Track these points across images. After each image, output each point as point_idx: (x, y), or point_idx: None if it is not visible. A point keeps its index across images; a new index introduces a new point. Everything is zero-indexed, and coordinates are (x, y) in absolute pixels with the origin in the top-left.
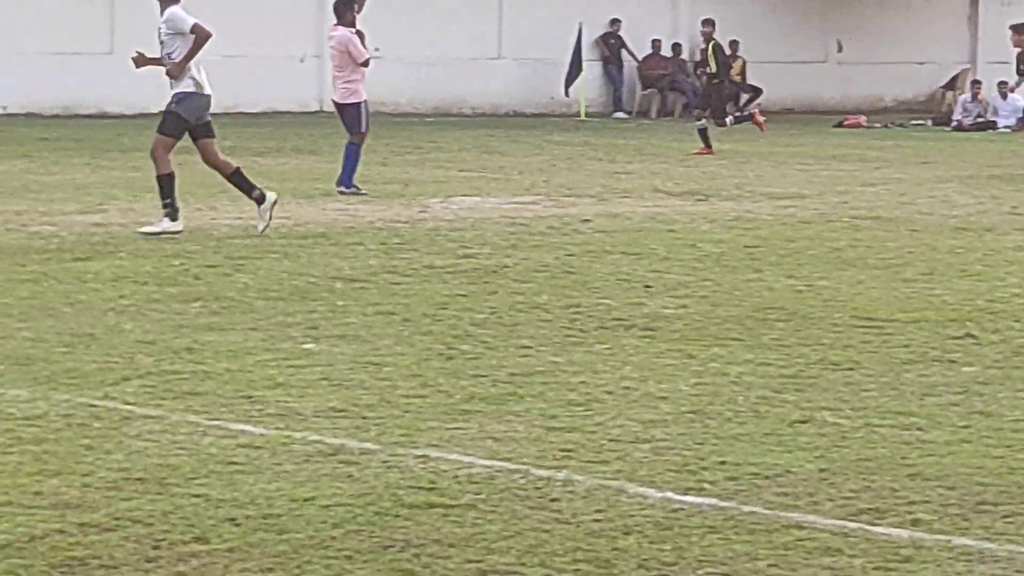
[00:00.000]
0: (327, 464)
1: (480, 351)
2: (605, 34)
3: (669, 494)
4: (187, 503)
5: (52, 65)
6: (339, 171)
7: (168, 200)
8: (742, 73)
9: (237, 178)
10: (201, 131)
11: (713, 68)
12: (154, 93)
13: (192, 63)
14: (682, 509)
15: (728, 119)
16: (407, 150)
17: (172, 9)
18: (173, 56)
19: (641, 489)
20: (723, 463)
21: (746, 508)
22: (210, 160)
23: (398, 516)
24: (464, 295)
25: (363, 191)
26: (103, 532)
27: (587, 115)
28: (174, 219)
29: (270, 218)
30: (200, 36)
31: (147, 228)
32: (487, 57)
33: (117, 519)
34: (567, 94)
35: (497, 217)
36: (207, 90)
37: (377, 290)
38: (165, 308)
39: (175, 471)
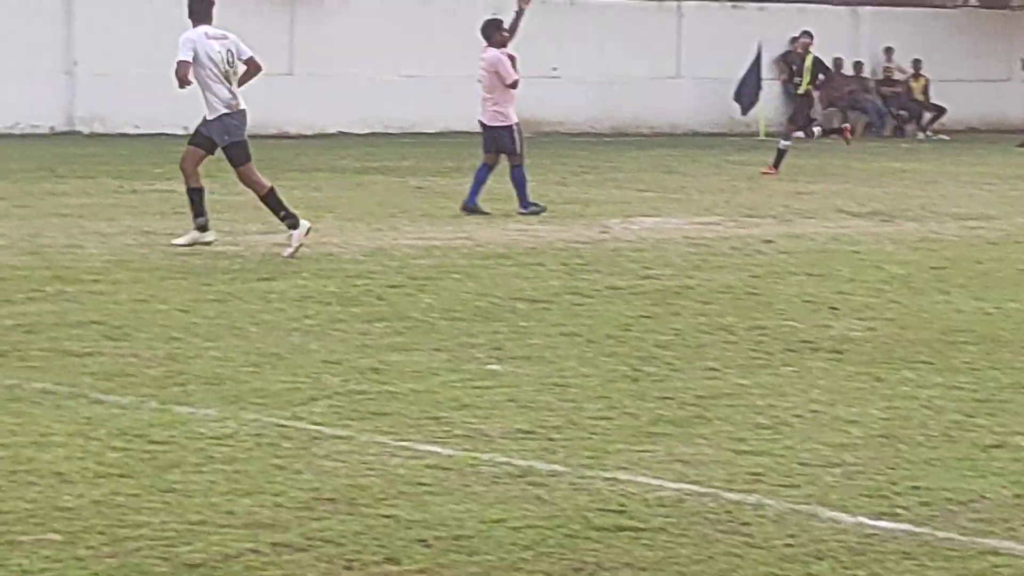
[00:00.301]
0: (516, 486)
1: (665, 373)
2: (785, 53)
3: (862, 519)
4: (378, 524)
5: None
6: (468, 192)
7: (283, 212)
8: (925, 92)
9: (197, 195)
10: (200, 140)
11: (807, 82)
12: (334, 113)
13: (221, 84)
14: (876, 534)
15: (813, 130)
16: (586, 170)
17: (185, 34)
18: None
19: (833, 514)
20: (916, 488)
21: (941, 534)
22: (187, 166)
23: (588, 539)
24: (648, 316)
25: (543, 207)
26: (296, 552)
27: (766, 134)
28: (297, 225)
29: (189, 243)
30: (176, 73)
31: (286, 251)
32: (665, 76)
33: (309, 539)
34: (744, 113)
35: (679, 238)
36: (241, 105)
37: (560, 311)
38: (349, 328)
39: (365, 491)
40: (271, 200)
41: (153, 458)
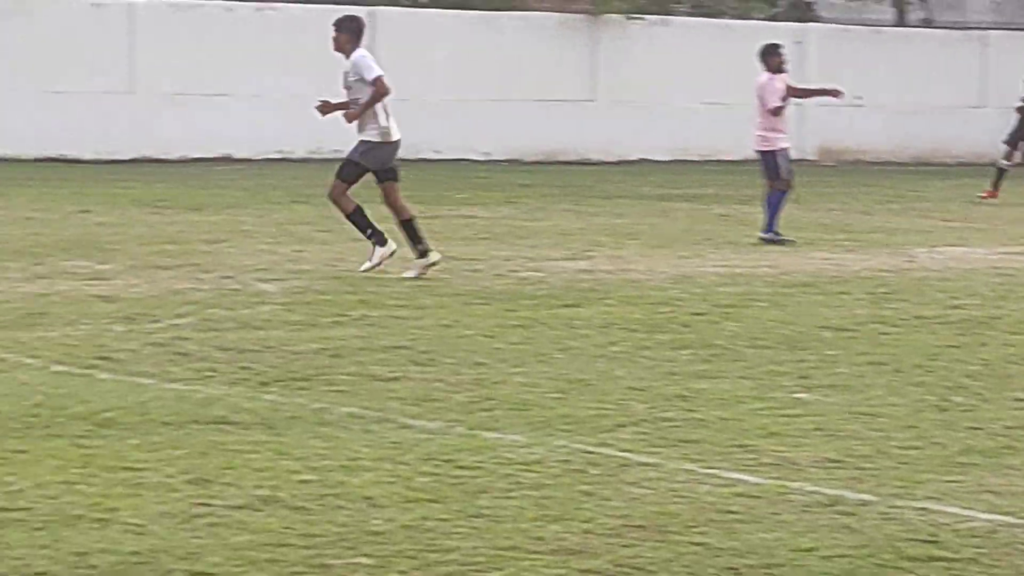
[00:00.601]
0: (825, 515)
1: (974, 403)
2: None
3: None
4: (687, 551)
5: (535, 112)
6: (764, 223)
7: (369, 230)
8: None
9: (408, 227)
10: (385, 175)
11: None
12: (636, 140)
13: (380, 110)
14: None
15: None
16: (889, 199)
17: (358, 54)
18: (361, 102)
19: None
20: None
21: None
22: (390, 202)
23: (899, 569)
24: (955, 346)
25: (789, 238)
26: None
27: None
28: (383, 243)
29: (419, 275)
30: (378, 91)
31: (365, 265)
32: (969, 105)
33: (619, 566)
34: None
35: (985, 267)
36: (394, 137)
37: (866, 340)
38: (655, 355)
39: (674, 519)
40: (357, 218)
41: (462, 483)
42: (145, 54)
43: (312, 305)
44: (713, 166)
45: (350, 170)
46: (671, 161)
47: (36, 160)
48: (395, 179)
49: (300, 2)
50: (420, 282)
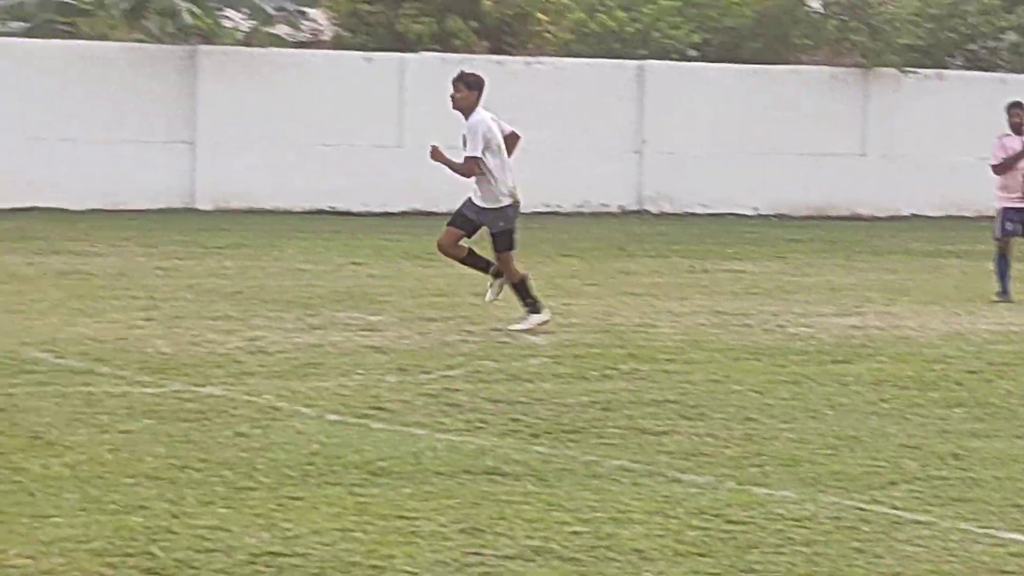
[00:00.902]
0: None
1: None
2: None
3: None
4: None
5: (804, 166)
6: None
7: (529, 299)
8: None
9: (470, 259)
10: (462, 223)
11: None
12: (908, 195)
13: (504, 172)
14: None
15: None
16: None
17: (475, 120)
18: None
19: None
20: None
21: None
22: (443, 245)
23: None
24: None
25: (1003, 299)
26: None
27: None
28: (538, 311)
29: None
30: (463, 170)
31: (514, 326)
32: None
33: None
34: None
35: None
36: (519, 197)
37: None
38: (928, 413)
39: None
40: (521, 289)
41: (732, 538)
42: (414, 107)
43: (582, 358)
44: (986, 222)
45: (506, 240)
46: (943, 216)
47: (307, 212)
48: (464, 231)
49: (567, 55)
50: (690, 336)
